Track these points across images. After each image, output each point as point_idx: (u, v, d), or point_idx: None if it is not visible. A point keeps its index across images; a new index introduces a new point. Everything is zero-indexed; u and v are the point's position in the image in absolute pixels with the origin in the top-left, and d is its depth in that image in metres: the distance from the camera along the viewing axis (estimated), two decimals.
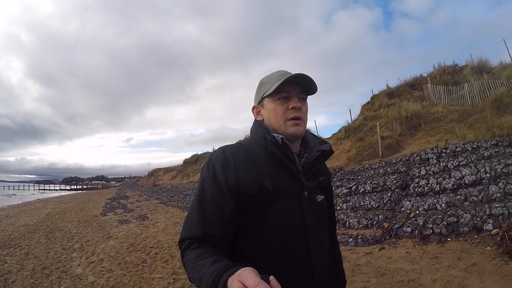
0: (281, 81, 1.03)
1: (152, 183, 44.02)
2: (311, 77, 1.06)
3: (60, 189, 75.27)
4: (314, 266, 1.02)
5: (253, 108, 1.18)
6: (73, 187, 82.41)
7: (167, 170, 50.69)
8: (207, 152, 39.36)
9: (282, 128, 1.07)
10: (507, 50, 14.08)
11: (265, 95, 1.10)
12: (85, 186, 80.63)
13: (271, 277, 0.68)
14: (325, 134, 20.98)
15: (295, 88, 1.08)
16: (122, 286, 4.16)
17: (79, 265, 5.36)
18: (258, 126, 1.12)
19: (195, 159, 41.06)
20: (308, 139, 1.19)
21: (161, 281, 4.29)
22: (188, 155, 49.06)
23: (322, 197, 1.13)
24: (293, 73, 1.08)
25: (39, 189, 71.80)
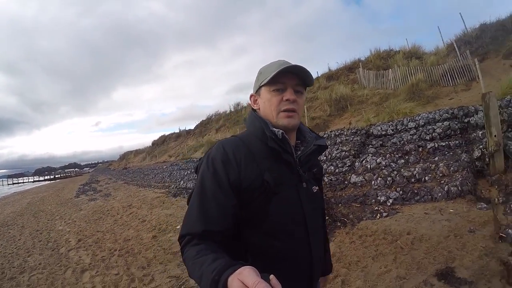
0: (276, 71, 1.03)
1: (123, 166, 45.72)
2: (307, 69, 1.05)
3: (34, 181, 75.08)
4: (313, 253, 1.08)
5: (251, 96, 1.18)
6: (46, 177, 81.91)
7: (137, 152, 51.10)
8: (174, 133, 40.09)
9: (274, 119, 1.08)
10: (441, 36, 15.53)
11: (262, 84, 1.09)
12: (59, 175, 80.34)
13: (271, 276, 0.68)
14: None
15: (292, 80, 1.07)
16: (85, 230, 7.26)
17: (60, 225, 8.37)
18: (256, 118, 1.11)
19: (162, 140, 41.79)
20: (305, 132, 1.20)
21: (108, 225, 7.43)
22: (159, 135, 49.41)
23: (317, 188, 1.18)
24: (292, 63, 1.08)
25: (13, 183, 71.49)
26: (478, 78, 9.32)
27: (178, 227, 5.94)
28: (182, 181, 11.88)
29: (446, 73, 10.86)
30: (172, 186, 11.93)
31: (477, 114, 6.47)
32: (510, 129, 5.70)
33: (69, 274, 4.53)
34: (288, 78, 1.06)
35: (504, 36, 11.75)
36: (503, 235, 3.35)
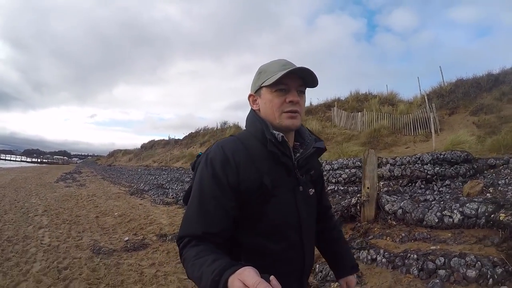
0: (282, 73, 1.00)
1: (108, 164, 47.06)
2: (313, 71, 1.02)
3: (21, 161, 76.07)
4: (305, 255, 1.10)
5: (250, 96, 1.14)
6: (34, 159, 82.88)
7: (126, 152, 52.23)
8: (163, 139, 41.17)
9: (277, 120, 1.05)
10: (419, 86, 15.94)
11: (263, 84, 1.06)
12: (46, 160, 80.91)
13: (272, 277, 0.68)
14: None
15: (295, 81, 1.04)
16: (52, 205, 9.38)
17: (34, 200, 10.47)
18: (256, 119, 1.09)
19: (151, 144, 42.89)
20: (304, 134, 1.19)
21: (70, 205, 9.56)
22: (152, 138, 49.72)
23: (313, 190, 1.18)
24: (294, 64, 1.06)
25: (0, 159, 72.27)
26: (438, 130, 10.16)
27: (116, 213, 8.15)
28: (142, 184, 14.12)
29: (410, 122, 11.40)
30: (134, 186, 14.16)
31: (385, 166, 7.02)
32: (410, 184, 6.38)
33: (30, 228, 6.66)
34: (292, 79, 1.03)
35: (477, 93, 12.17)
36: None
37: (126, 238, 5.94)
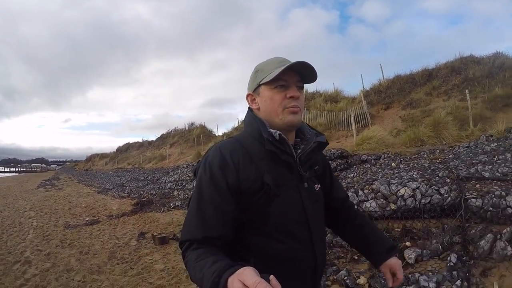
0: (282, 68, 0.98)
1: (86, 168, 48.43)
2: (311, 65, 1.01)
3: None
4: (317, 252, 1.07)
5: (248, 95, 1.12)
6: (12, 169, 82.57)
7: (102, 156, 52.57)
8: (137, 142, 42.52)
9: (279, 117, 1.04)
10: (362, 83, 16.28)
11: (261, 82, 1.05)
12: (24, 169, 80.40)
13: (271, 277, 0.69)
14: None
15: (293, 76, 1.03)
16: (36, 204, 12.38)
17: (21, 202, 13.39)
18: (253, 118, 1.08)
19: (126, 147, 44.07)
20: (304, 130, 1.17)
21: (49, 203, 12.58)
22: (129, 140, 50.28)
23: (319, 186, 1.16)
24: (290, 61, 1.04)
25: None
26: (369, 125, 10.85)
27: (83, 205, 11.31)
28: (109, 184, 17.25)
29: (344, 119, 11.96)
30: (102, 187, 17.27)
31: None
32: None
33: (23, 219, 9.69)
34: (290, 75, 1.02)
35: (411, 88, 12.78)
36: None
37: (87, 219, 9.15)
